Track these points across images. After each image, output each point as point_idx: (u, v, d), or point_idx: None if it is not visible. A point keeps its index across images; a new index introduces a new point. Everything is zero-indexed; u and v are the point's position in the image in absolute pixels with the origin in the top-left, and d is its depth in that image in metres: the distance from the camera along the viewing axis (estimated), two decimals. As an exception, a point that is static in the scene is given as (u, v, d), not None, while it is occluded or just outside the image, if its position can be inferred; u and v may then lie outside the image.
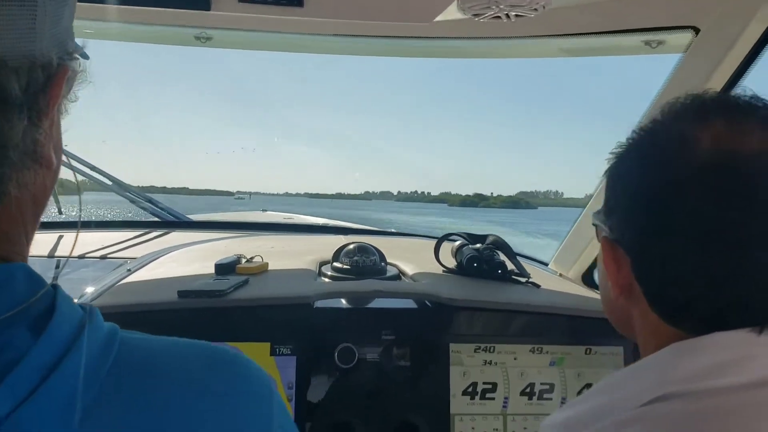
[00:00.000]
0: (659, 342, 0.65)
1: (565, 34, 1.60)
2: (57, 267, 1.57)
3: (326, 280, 1.66)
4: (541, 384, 1.47)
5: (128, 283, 1.54)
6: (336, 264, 1.72)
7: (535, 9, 1.36)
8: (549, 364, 1.48)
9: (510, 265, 1.74)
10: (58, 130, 0.54)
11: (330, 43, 1.93)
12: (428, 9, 1.41)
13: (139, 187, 2.74)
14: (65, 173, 0.57)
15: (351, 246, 1.75)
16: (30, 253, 0.52)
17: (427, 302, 1.53)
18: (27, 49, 0.46)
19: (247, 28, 1.80)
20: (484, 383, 1.46)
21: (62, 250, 1.92)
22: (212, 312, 1.37)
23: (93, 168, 2.38)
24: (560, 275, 2.05)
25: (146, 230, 2.45)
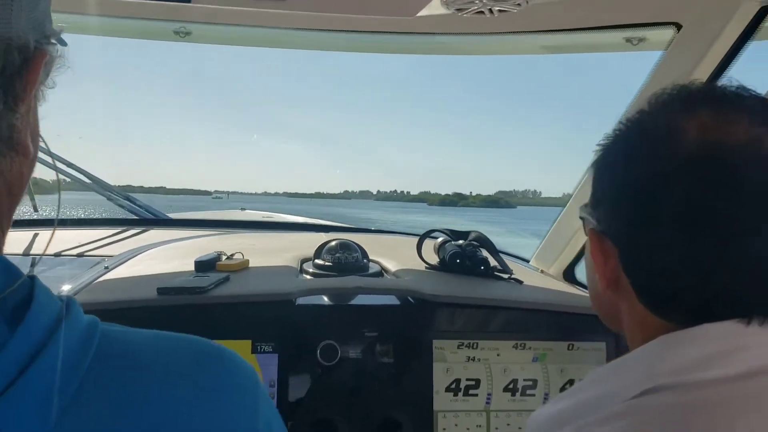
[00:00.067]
0: (647, 334, 0.65)
1: (547, 31, 1.60)
2: (32, 265, 1.54)
3: (308, 277, 1.65)
4: (524, 380, 1.47)
5: (106, 281, 1.52)
6: (318, 261, 1.70)
7: (518, 4, 1.35)
8: (532, 360, 1.48)
9: (493, 262, 1.74)
10: (35, 116, 0.52)
11: (311, 38, 1.91)
12: (411, 3, 1.40)
13: (116, 186, 2.70)
14: (39, 171, 0.55)
15: (333, 243, 1.73)
16: (4, 252, 0.50)
17: (410, 299, 1.52)
18: (3, 30, 0.44)
19: (227, 23, 1.78)
20: (467, 379, 1.45)
21: (38, 248, 1.88)
22: (192, 309, 1.35)
23: (69, 165, 2.34)
24: (542, 272, 2.05)
25: (124, 228, 2.41)
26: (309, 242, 1.95)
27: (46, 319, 0.45)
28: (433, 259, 1.78)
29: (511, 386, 1.47)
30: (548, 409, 0.69)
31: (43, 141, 0.54)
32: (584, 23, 1.50)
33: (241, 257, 1.68)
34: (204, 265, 1.57)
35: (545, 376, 1.48)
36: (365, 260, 1.72)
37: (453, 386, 1.45)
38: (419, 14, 1.46)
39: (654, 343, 0.62)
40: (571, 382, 1.49)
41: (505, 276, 1.70)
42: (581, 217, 0.78)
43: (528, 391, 1.47)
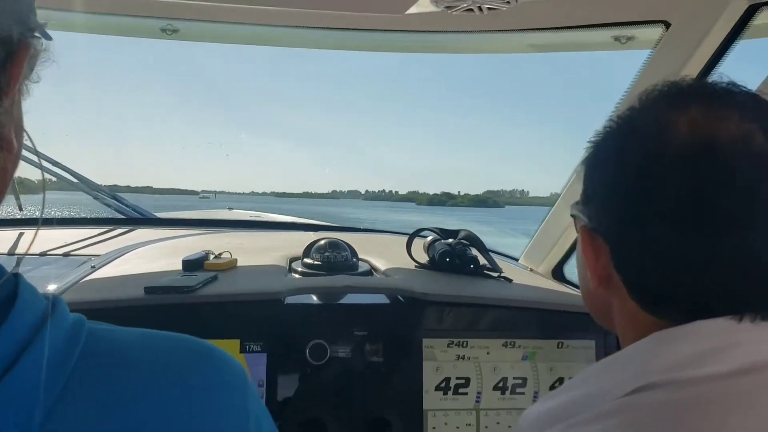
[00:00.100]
0: (639, 332, 0.65)
1: (536, 29, 1.60)
2: (17, 263, 1.52)
3: (297, 276, 1.64)
4: (514, 378, 1.47)
5: (92, 280, 1.50)
6: (307, 260, 1.69)
7: (507, 2, 1.35)
8: (521, 359, 1.48)
9: (482, 260, 1.74)
10: (19, 111, 0.51)
11: (300, 36, 1.90)
12: (400, 1, 1.39)
13: (102, 185, 2.67)
14: (25, 171, 0.54)
15: (322, 242, 1.72)
16: None
17: (399, 297, 1.51)
18: None
19: (216, 20, 1.77)
20: (457, 378, 1.45)
21: (22, 248, 1.86)
22: (180, 308, 1.34)
23: (55, 163, 2.31)
24: (531, 270, 2.05)
25: (110, 227, 2.39)
26: (297, 241, 1.94)
27: (31, 317, 0.44)
28: (423, 258, 1.78)
29: (500, 385, 1.46)
30: (540, 407, 0.68)
31: (28, 137, 0.53)
32: (573, 21, 1.50)
33: (229, 256, 1.67)
34: (192, 264, 1.56)
35: (535, 375, 1.48)
36: (354, 259, 1.71)
37: (443, 385, 1.44)
38: (408, 12, 1.46)
39: (646, 341, 0.62)
40: (560, 380, 1.49)
41: (495, 274, 1.70)
42: (572, 215, 0.77)
43: (518, 390, 1.47)
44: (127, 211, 2.56)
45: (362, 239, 2.07)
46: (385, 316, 1.50)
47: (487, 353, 1.47)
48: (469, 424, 1.45)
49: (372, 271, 1.74)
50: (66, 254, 1.91)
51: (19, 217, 2.11)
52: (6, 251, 1.82)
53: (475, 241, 1.77)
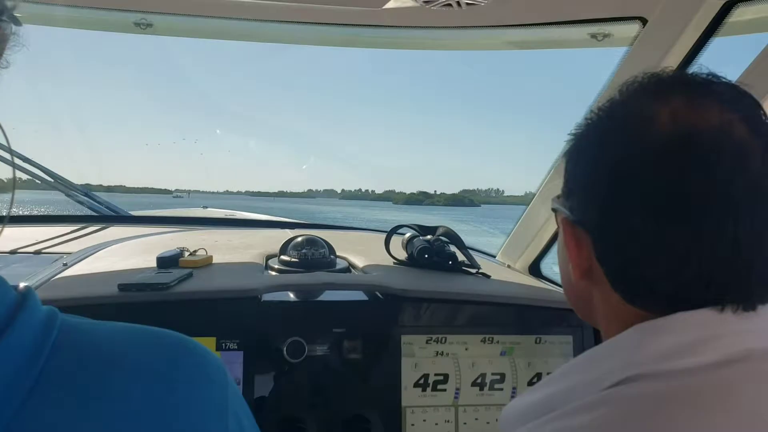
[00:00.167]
0: (621, 323, 0.64)
1: (513, 25, 1.60)
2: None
3: (273, 273, 1.62)
4: (492, 374, 1.47)
5: (65, 278, 1.47)
6: (284, 257, 1.68)
7: (485, -3, 1.35)
8: (500, 354, 1.48)
9: (461, 257, 1.74)
10: None
11: (276, 31, 1.88)
12: (379, -7, 1.39)
13: (74, 183, 2.62)
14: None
15: (299, 239, 1.71)
16: None
17: (378, 294, 1.51)
18: None
19: (191, 14, 1.74)
20: (435, 374, 1.44)
21: (-9, 246, 1.82)
22: (155, 306, 1.32)
23: (25, 159, 2.26)
24: (508, 266, 2.06)
25: (83, 225, 2.34)
26: (274, 239, 1.92)
27: (1, 308, 0.42)
28: (402, 255, 1.77)
29: (479, 381, 1.46)
30: (524, 400, 0.68)
31: (3, 133, 0.51)
32: (551, 17, 1.50)
33: (205, 253, 1.64)
34: (166, 262, 1.53)
35: (513, 370, 1.48)
36: (332, 256, 1.70)
37: (421, 381, 1.44)
38: (386, 6, 1.45)
39: (630, 332, 0.62)
40: (538, 375, 1.49)
41: (473, 271, 1.70)
42: (553, 209, 0.77)
43: (496, 386, 1.47)
44: (100, 209, 2.51)
45: (340, 236, 2.06)
46: (363, 313, 1.49)
47: (466, 349, 1.46)
48: (448, 421, 1.44)
49: (350, 268, 1.73)
50: (37, 252, 1.87)
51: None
52: None
53: (453, 237, 1.77)
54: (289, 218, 3.29)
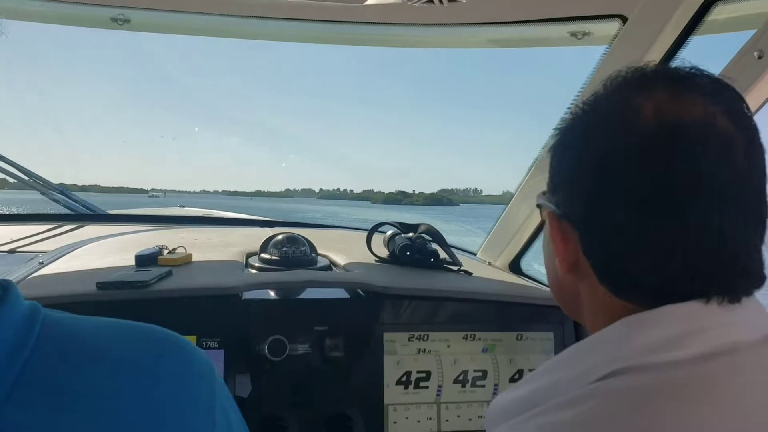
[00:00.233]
0: (608, 317, 0.65)
1: (494, 23, 1.61)
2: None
3: (254, 271, 1.61)
4: (474, 371, 1.47)
5: (41, 276, 1.44)
6: (264, 255, 1.66)
7: (467, -7, 1.35)
8: (482, 351, 1.48)
9: (442, 254, 1.74)
10: None
11: (256, 27, 1.87)
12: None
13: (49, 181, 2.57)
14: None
15: (280, 237, 1.70)
16: None
17: (360, 292, 1.50)
18: None
19: (169, 9, 1.72)
20: (417, 372, 1.44)
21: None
22: (134, 304, 1.30)
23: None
24: (489, 264, 2.06)
25: (59, 223, 2.30)
26: (253, 237, 1.91)
27: None
28: (383, 253, 1.76)
29: (461, 378, 1.46)
30: (508, 396, 0.68)
31: None
32: (531, 15, 1.50)
33: (184, 251, 1.62)
34: (145, 260, 1.51)
35: (495, 367, 1.48)
36: (313, 254, 1.69)
37: (404, 379, 1.43)
38: (368, 2, 1.44)
39: (617, 325, 0.62)
40: (520, 372, 1.50)
41: (455, 268, 1.70)
42: (538, 205, 0.77)
43: (478, 383, 1.47)
44: (76, 207, 2.47)
45: (320, 235, 2.05)
46: (345, 310, 1.48)
47: (448, 346, 1.46)
48: (430, 418, 1.44)
49: (331, 266, 1.72)
50: (12, 251, 1.84)
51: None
52: None
53: (435, 235, 1.77)
54: (267, 217, 3.27)
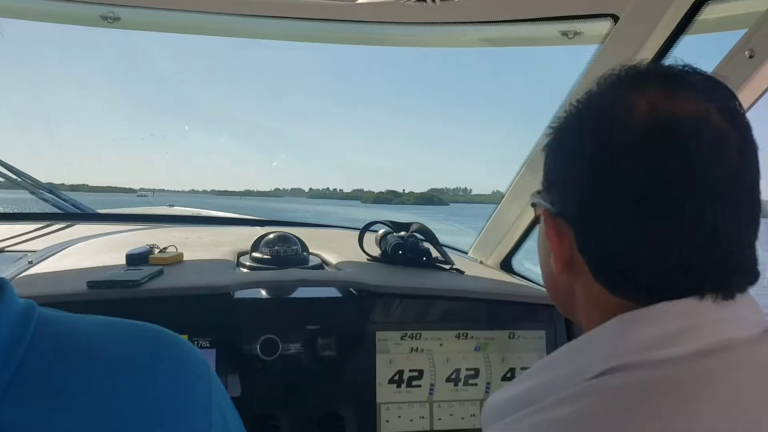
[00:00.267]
0: (603, 314, 0.65)
1: (486, 22, 1.61)
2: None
3: (245, 270, 1.60)
4: (467, 369, 1.47)
5: (31, 275, 1.43)
6: (255, 254, 1.66)
7: (459, -8, 1.35)
8: (474, 350, 1.48)
9: (435, 253, 1.74)
10: None
11: (247, 26, 1.86)
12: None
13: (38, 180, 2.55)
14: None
15: (271, 236, 1.69)
16: None
17: (352, 291, 1.50)
18: None
19: (159, 7, 1.71)
20: (410, 371, 1.44)
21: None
22: (125, 303, 1.29)
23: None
24: (480, 263, 2.07)
25: (48, 222, 2.28)
26: (244, 236, 1.90)
27: None
28: (375, 251, 1.76)
29: (453, 376, 1.47)
30: (507, 392, 0.68)
31: None
32: (524, 14, 1.51)
33: (175, 250, 1.62)
34: (136, 259, 1.50)
35: (487, 366, 1.49)
36: (305, 253, 1.69)
37: (396, 378, 1.43)
38: (360, 0, 1.44)
39: (612, 322, 0.62)
40: (512, 370, 1.50)
41: (447, 267, 1.70)
42: (533, 204, 0.77)
43: (470, 381, 1.47)
44: (65, 206, 2.45)
45: (312, 234, 2.04)
46: (337, 309, 1.48)
47: (440, 345, 1.47)
48: (423, 417, 1.44)
49: (323, 264, 1.72)
50: (0, 250, 1.82)
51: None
52: None
53: (427, 233, 1.77)
54: (258, 217, 3.25)
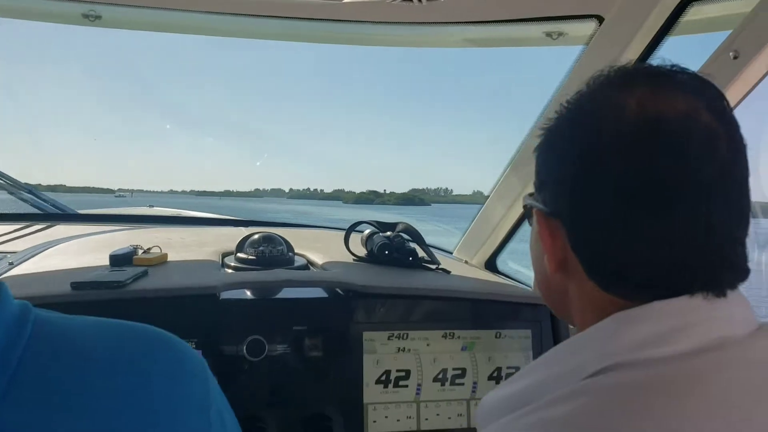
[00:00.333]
0: (596, 313, 0.65)
1: (472, 22, 1.61)
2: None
3: (230, 271, 1.59)
4: (453, 369, 1.47)
5: (12, 277, 1.40)
6: (240, 255, 1.64)
7: (446, -8, 1.35)
8: (461, 349, 1.48)
9: (421, 253, 1.74)
10: None
11: (231, 24, 1.85)
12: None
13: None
14: None
15: (256, 236, 1.68)
16: None
17: (339, 291, 1.49)
18: None
19: (141, 5, 1.69)
20: (397, 371, 1.44)
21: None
22: (110, 305, 1.27)
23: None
24: (466, 262, 2.07)
25: (28, 223, 2.24)
26: (228, 236, 1.89)
27: None
28: (361, 252, 1.76)
29: (440, 376, 1.47)
30: (501, 392, 0.68)
31: None
32: (509, 15, 1.51)
33: (159, 251, 1.60)
34: (120, 259, 1.48)
35: (474, 365, 1.49)
36: (290, 253, 1.68)
37: (383, 378, 1.43)
38: (346, 0, 1.44)
39: (606, 322, 0.63)
40: (498, 369, 1.50)
41: (433, 267, 1.70)
42: (525, 205, 0.78)
43: (457, 381, 1.47)
44: (45, 207, 2.41)
45: (296, 234, 2.03)
46: (324, 310, 1.47)
47: (427, 345, 1.46)
48: (410, 417, 1.44)
49: (309, 265, 1.71)
50: None
51: None
52: None
53: (413, 233, 1.77)
54: (239, 217, 3.23)
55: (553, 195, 0.69)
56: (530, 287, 1.71)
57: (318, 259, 1.73)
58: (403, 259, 1.69)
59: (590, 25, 1.43)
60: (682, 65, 0.67)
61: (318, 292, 1.51)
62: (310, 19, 1.66)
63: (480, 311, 1.52)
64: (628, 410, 0.56)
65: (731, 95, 1.12)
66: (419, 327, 1.47)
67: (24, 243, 1.89)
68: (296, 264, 1.65)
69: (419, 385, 1.45)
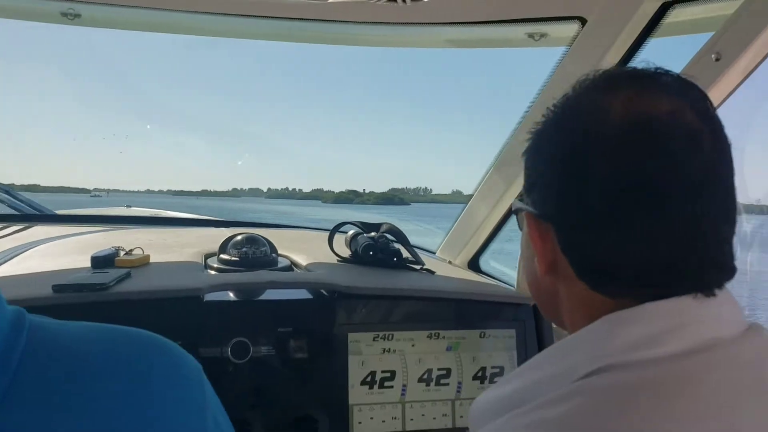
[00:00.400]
0: (587, 314, 0.65)
1: (456, 23, 1.62)
2: None
3: (213, 272, 1.58)
4: (438, 369, 1.48)
5: None
6: (223, 256, 1.63)
7: (430, -7, 1.35)
8: (446, 349, 1.49)
9: (405, 253, 1.74)
10: None
11: (213, 23, 1.83)
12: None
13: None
14: None
15: (239, 237, 1.67)
16: None
17: (323, 292, 1.49)
18: None
19: (121, 4, 1.67)
20: (382, 372, 1.44)
21: None
22: (92, 307, 1.25)
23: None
24: (449, 262, 2.08)
25: (4, 224, 2.21)
26: (210, 237, 1.87)
27: None
28: (345, 252, 1.76)
29: (425, 376, 1.47)
30: (493, 393, 0.68)
31: None
32: (492, 16, 1.51)
33: (141, 252, 1.58)
34: (101, 261, 1.47)
35: (458, 365, 1.49)
36: (274, 254, 1.67)
37: (368, 379, 1.43)
38: (331, 0, 1.43)
39: (598, 323, 0.63)
40: (482, 369, 1.51)
41: (418, 267, 1.70)
42: (515, 210, 0.78)
43: (442, 381, 1.48)
44: (22, 207, 2.38)
45: (279, 235, 2.02)
46: (308, 311, 1.47)
47: (413, 345, 1.47)
48: (395, 418, 1.44)
49: (293, 266, 1.70)
50: None
51: None
52: None
53: (397, 234, 1.77)
54: (216, 217, 3.21)
55: (542, 197, 0.69)
56: (513, 287, 1.71)
57: (302, 260, 1.72)
58: (388, 260, 1.69)
59: (573, 27, 1.44)
60: (665, 67, 0.67)
61: (302, 294, 1.50)
62: (293, 18, 1.65)
63: (464, 311, 1.52)
64: (621, 411, 0.56)
65: (714, 97, 1.13)
66: (404, 328, 1.47)
67: (1, 245, 1.85)
68: (280, 265, 1.64)
69: (404, 385, 1.45)
